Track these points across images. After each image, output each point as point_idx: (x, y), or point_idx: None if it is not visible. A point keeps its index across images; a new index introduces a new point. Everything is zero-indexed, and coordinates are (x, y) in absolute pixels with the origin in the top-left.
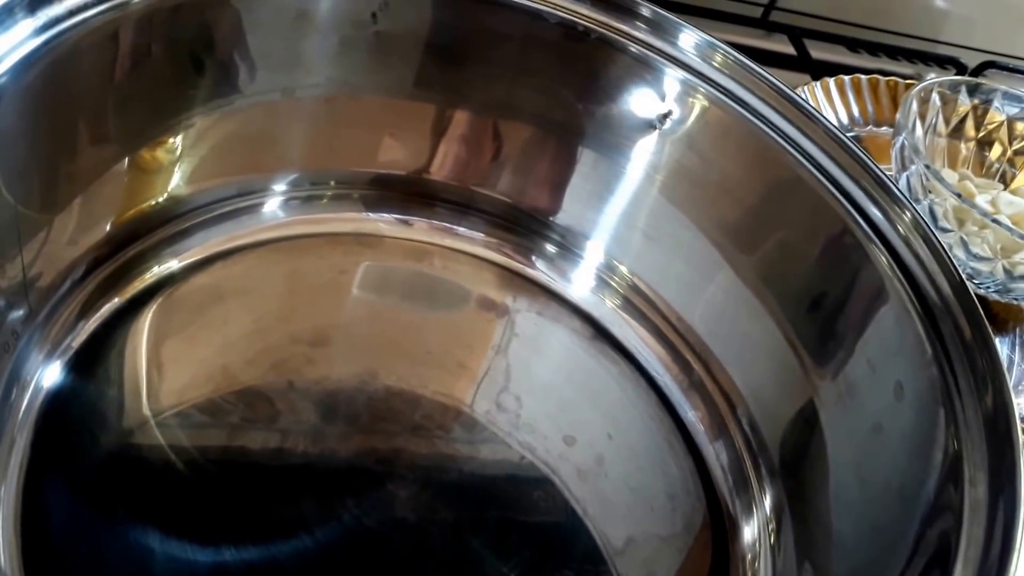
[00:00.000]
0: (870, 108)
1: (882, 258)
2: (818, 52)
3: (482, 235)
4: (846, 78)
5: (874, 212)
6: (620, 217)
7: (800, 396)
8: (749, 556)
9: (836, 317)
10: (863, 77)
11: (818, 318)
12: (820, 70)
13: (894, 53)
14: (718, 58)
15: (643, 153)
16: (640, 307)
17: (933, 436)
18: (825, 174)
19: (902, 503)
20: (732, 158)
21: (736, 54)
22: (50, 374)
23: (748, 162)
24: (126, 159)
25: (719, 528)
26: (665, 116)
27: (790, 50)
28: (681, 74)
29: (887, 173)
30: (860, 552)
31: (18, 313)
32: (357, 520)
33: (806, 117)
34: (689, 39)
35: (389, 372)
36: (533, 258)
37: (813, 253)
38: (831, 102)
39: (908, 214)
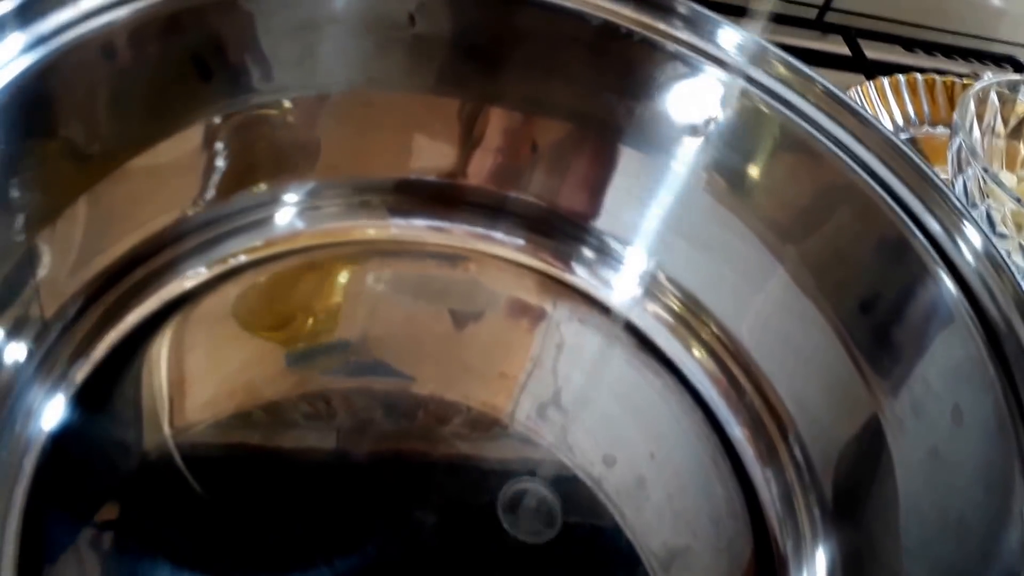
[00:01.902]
0: (926, 108)
1: (943, 275)
2: (873, 52)
3: (518, 240)
4: (901, 77)
5: (933, 225)
6: (663, 222)
7: (861, 412)
8: None
9: (891, 324)
10: (919, 76)
11: (871, 322)
12: (874, 70)
13: (950, 52)
14: (764, 59)
15: (687, 156)
16: (685, 317)
17: (998, 465)
18: (879, 181)
19: (959, 538)
20: (780, 162)
21: (784, 55)
22: (59, 400)
23: (797, 167)
24: (133, 175)
25: (765, 554)
26: (709, 121)
27: (844, 50)
28: (726, 76)
29: (944, 181)
30: None
31: (25, 338)
32: (383, 544)
33: (858, 121)
34: (733, 39)
35: (422, 385)
36: (572, 264)
37: (867, 252)
38: (885, 102)
39: (968, 226)
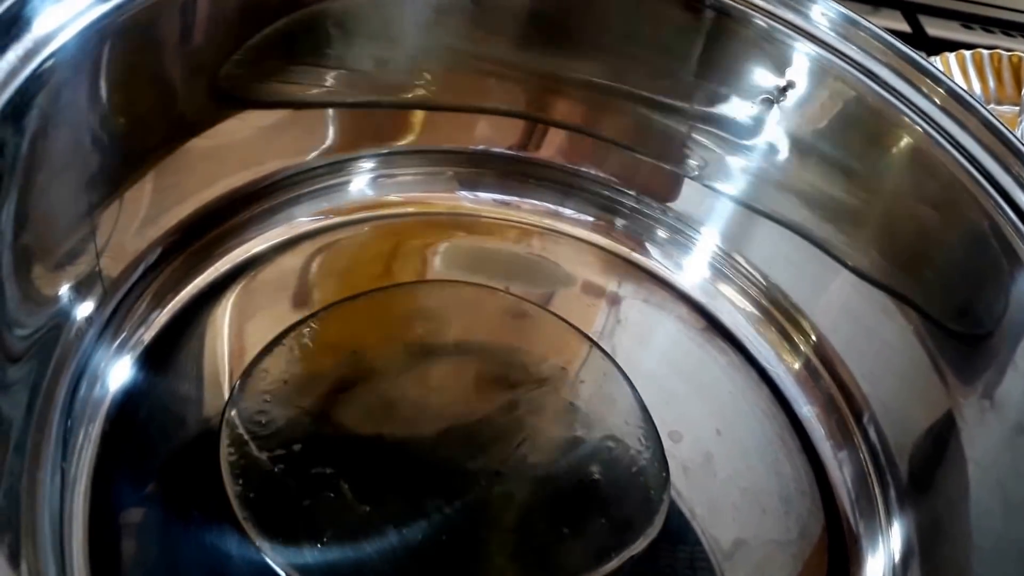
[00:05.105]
0: (992, 85)
1: None
2: (930, 28)
3: (588, 217)
4: (967, 53)
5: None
6: (738, 203)
7: (937, 407)
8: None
9: (985, 326)
10: (984, 52)
11: (965, 328)
12: (936, 48)
13: (1009, 28)
14: (849, 30)
15: (764, 134)
16: (756, 297)
17: None
18: (972, 161)
19: None
20: (863, 140)
21: (870, 24)
22: (123, 364)
23: (882, 145)
24: (200, 137)
25: (836, 533)
26: (785, 89)
27: (904, 27)
28: (808, 46)
29: None
30: None
31: (90, 300)
32: (446, 517)
33: (952, 99)
34: (817, 9)
35: (484, 358)
36: (645, 243)
37: (957, 255)
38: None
39: None
